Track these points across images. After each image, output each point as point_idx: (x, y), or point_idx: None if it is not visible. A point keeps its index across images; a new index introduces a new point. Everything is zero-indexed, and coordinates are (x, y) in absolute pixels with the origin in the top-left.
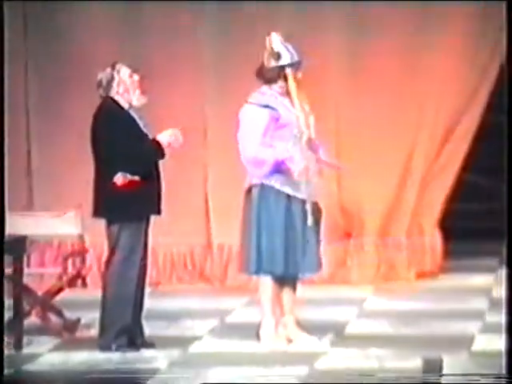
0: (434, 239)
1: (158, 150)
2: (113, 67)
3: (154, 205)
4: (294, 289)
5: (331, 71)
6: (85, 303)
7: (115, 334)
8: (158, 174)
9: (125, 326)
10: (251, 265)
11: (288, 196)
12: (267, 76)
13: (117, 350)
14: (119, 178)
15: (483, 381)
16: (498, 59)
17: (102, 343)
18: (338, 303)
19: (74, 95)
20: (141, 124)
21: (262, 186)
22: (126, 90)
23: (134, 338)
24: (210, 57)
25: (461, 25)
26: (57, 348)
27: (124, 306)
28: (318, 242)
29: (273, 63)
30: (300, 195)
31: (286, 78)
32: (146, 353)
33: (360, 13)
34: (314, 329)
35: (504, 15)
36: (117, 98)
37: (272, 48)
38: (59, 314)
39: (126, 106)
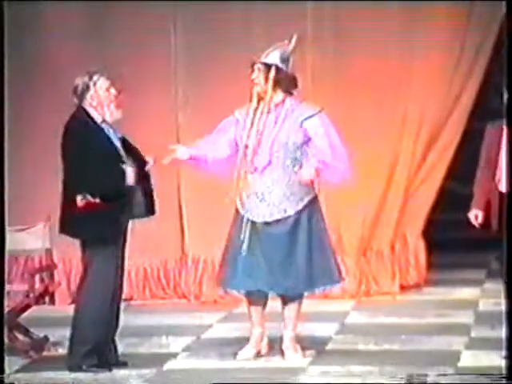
0: (419, 251)
1: (123, 176)
2: (90, 77)
3: (121, 224)
4: (298, 304)
5: (310, 80)
6: (53, 320)
7: (85, 353)
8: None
9: (97, 344)
10: (221, 277)
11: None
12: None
13: (87, 369)
14: (79, 200)
15: (483, 381)
16: (482, 63)
17: (72, 363)
18: (318, 318)
19: (45, 101)
20: (115, 138)
21: None
22: (100, 103)
23: (105, 357)
24: (183, 64)
25: (444, 28)
26: (23, 368)
27: (97, 324)
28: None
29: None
30: (245, 213)
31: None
32: (118, 372)
33: (342, 17)
34: None
35: (504, 15)
36: (90, 109)
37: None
38: (26, 332)
39: (98, 119)
